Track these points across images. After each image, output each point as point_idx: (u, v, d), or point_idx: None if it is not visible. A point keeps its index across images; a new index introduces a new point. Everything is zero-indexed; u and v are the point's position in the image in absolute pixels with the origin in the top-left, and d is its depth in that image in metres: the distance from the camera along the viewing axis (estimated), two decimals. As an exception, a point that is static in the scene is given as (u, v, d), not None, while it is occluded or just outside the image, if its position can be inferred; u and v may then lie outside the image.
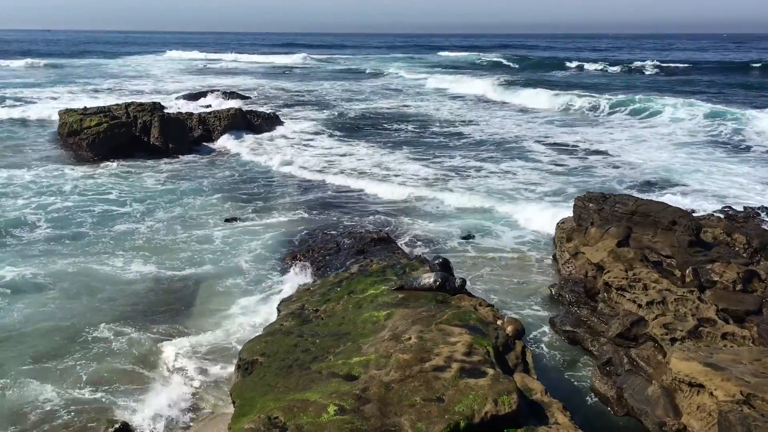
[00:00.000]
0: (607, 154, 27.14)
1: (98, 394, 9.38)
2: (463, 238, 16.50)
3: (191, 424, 8.85)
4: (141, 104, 29.62)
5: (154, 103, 30.03)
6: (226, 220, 17.69)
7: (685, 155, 26.53)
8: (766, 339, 9.34)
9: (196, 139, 29.06)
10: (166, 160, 25.96)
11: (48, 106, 37.00)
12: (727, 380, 7.63)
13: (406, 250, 15.15)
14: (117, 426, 8.47)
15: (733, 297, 10.79)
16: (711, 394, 7.66)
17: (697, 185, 21.62)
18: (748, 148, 27.92)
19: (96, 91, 48.28)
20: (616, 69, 78.19)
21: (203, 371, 10.02)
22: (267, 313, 11.78)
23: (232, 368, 9.70)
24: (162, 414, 8.98)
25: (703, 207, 18.22)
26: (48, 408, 9.03)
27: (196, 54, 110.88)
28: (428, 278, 10.21)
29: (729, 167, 24.17)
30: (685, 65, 78.89)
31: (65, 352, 10.57)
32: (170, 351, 10.50)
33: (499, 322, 9.35)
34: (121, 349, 10.71)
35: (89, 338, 11.04)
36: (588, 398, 9.69)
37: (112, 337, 11.02)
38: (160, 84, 57.02)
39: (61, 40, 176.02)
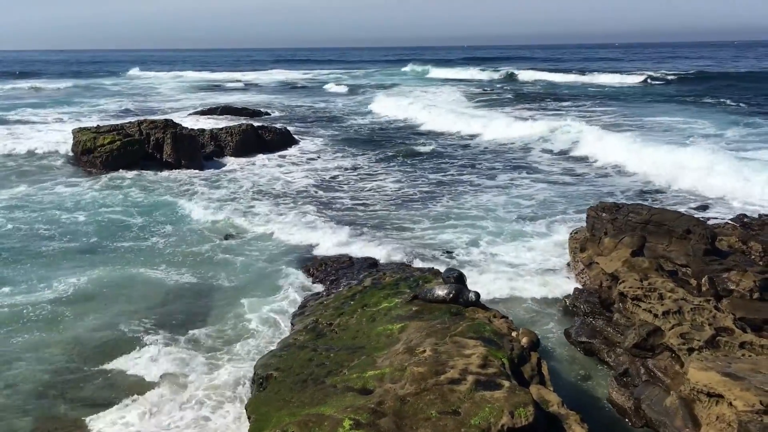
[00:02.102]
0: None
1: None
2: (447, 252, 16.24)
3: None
4: (153, 121, 29.86)
5: (167, 120, 30.27)
6: (226, 237, 17.62)
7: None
8: (785, 348, 9.23)
9: (208, 155, 29.24)
10: (178, 174, 26.12)
11: (60, 126, 37.48)
12: (746, 390, 7.54)
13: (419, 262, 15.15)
14: None
15: (751, 305, 10.69)
16: (730, 404, 7.57)
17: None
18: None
19: (105, 112, 48.50)
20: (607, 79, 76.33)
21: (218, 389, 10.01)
22: (280, 328, 11.81)
23: (247, 385, 9.73)
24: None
25: (717, 215, 18.11)
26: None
27: (197, 74, 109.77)
28: (442, 290, 10.20)
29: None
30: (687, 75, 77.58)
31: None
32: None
33: (513, 334, 9.30)
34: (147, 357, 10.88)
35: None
36: (605, 409, 9.60)
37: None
38: (168, 102, 57.38)
39: (59, 61, 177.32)
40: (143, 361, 10.77)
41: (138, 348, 11.25)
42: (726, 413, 7.62)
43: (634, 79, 74.12)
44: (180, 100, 60.00)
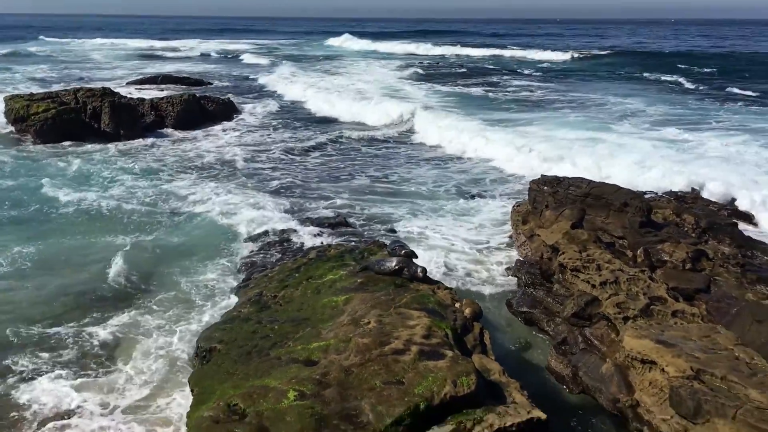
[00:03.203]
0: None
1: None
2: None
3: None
4: (90, 89, 28.84)
5: (104, 88, 29.24)
6: (171, 213, 17.20)
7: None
8: (715, 316, 9.64)
9: (148, 125, 28.44)
10: (116, 145, 25.35)
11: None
12: (677, 356, 7.86)
13: (365, 232, 15.20)
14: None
15: (683, 276, 11.10)
16: (662, 370, 7.88)
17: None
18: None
19: (35, 80, 46.18)
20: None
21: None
22: (223, 301, 11.72)
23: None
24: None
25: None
26: None
27: (133, 41, 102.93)
28: (390, 262, 10.26)
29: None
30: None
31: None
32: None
33: (457, 305, 9.44)
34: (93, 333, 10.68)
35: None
36: (544, 377, 9.86)
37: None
38: (104, 70, 55.29)
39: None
40: (88, 329, 10.61)
41: (78, 319, 11.05)
42: (658, 379, 7.93)
43: (573, 55, 75.07)
44: (116, 68, 57.99)
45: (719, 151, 23.12)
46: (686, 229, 13.73)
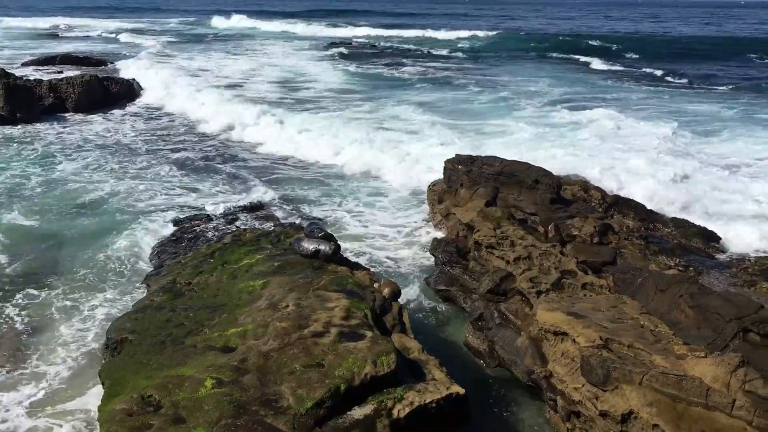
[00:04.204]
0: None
1: None
2: None
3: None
4: (-18, 70, 27.04)
5: (-3, 69, 27.50)
6: (75, 198, 16.33)
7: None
8: (621, 287, 10.06)
9: (47, 108, 26.92)
10: (12, 129, 23.88)
11: None
12: (587, 327, 8.16)
13: (281, 216, 14.99)
14: None
15: (591, 249, 11.52)
16: (574, 341, 8.16)
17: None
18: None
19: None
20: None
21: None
22: (134, 290, 11.31)
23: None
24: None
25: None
26: None
27: (22, 21, 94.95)
28: (309, 245, 10.15)
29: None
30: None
31: None
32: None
33: (375, 285, 9.45)
34: None
35: None
36: (462, 352, 10.05)
37: None
38: None
39: None
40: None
41: None
42: (570, 349, 8.22)
43: (482, 35, 75.58)
44: (4, 47, 54.01)
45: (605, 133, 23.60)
46: (593, 204, 14.25)
